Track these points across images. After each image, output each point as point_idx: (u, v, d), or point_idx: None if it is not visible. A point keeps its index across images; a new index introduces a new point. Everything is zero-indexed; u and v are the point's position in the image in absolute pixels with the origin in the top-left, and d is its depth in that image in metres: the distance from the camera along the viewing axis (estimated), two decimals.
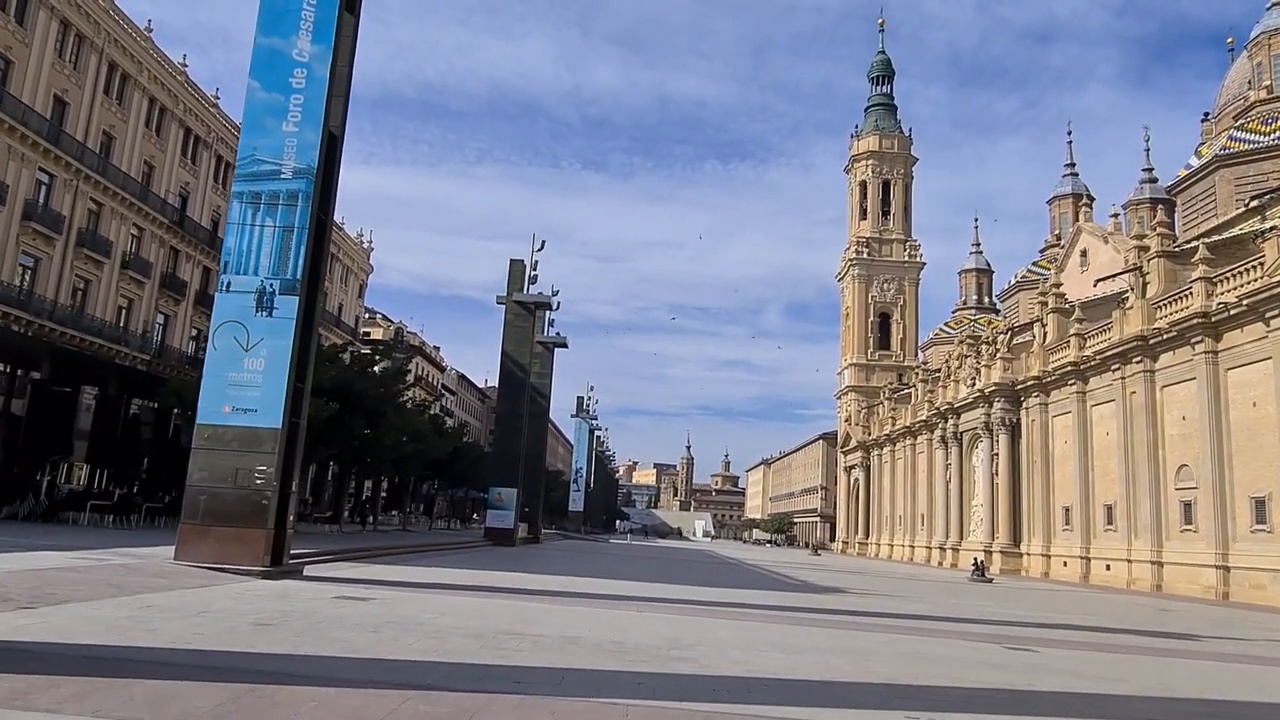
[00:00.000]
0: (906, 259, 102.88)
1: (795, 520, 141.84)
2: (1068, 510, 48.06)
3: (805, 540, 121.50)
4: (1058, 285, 56.81)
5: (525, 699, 5.97)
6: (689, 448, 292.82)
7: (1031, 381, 52.50)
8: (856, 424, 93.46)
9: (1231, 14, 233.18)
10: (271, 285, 14.25)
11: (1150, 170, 68.55)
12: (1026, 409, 53.79)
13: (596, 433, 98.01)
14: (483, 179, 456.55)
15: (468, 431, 78.51)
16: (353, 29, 15.30)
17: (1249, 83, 56.99)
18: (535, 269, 43.17)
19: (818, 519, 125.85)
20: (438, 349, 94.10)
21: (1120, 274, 49.80)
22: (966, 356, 63.76)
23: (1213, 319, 36.39)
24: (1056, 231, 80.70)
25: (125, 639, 6.99)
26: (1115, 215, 63.99)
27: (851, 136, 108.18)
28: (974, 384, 59.92)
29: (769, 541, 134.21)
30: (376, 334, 76.00)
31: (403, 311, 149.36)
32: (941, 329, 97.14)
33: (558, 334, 50.68)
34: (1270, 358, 33.26)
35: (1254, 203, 45.61)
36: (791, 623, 13.65)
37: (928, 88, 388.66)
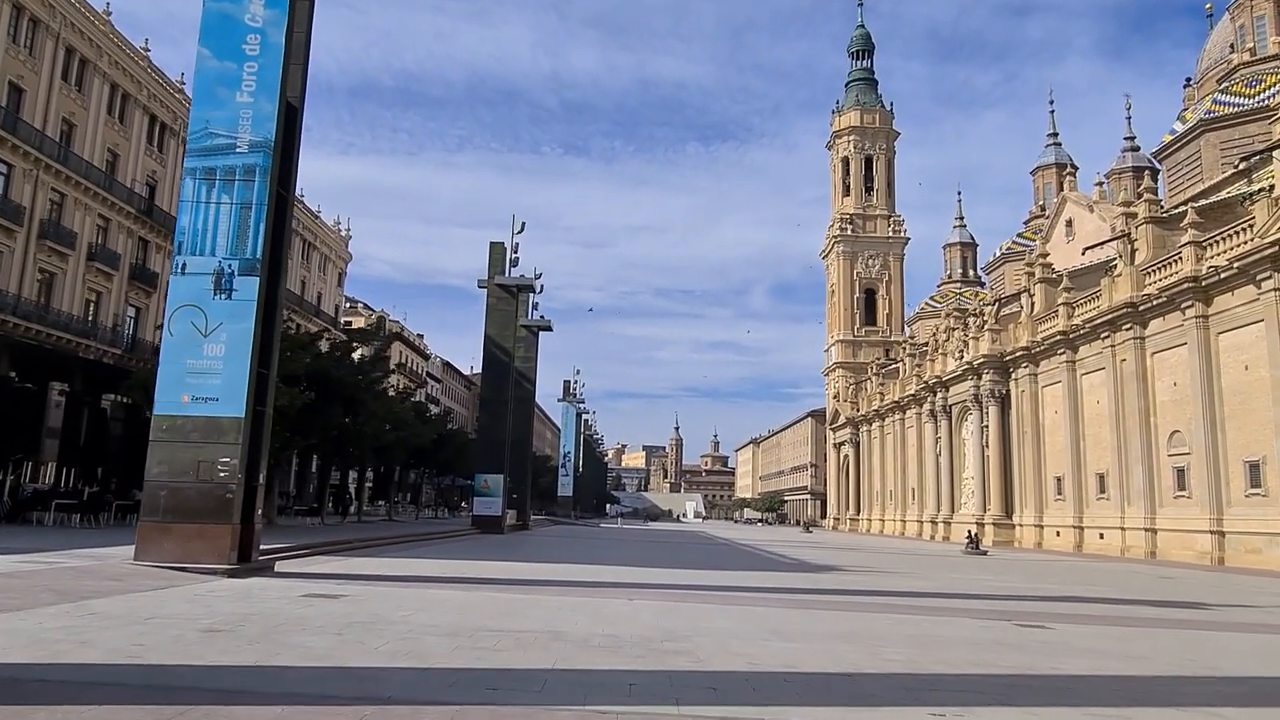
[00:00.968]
0: (891, 234, 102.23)
1: (786, 498, 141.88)
2: (1059, 480, 47.80)
3: (796, 518, 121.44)
4: (1044, 255, 56.31)
5: (499, 710, 5.22)
6: (678, 429, 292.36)
7: (1020, 352, 52.10)
8: (845, 400, 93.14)
9: None
10: (230, 266, 13.36)
11: (1133, 139, 68.15)
12: (1016, 380, 53.43)
13: (584, 416, 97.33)
14: (464, 166, 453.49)
15: (454, 419, 77.55)
16: None
17: (1231, 46, 56.51)
18: (516, 251, 42.36)
19: (808, 496, 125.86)
20: (421, 337, 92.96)
21: (1108, 241, 49.33)
22: (954, 330, 63.29)
23: (1203, 283, 35.97)
24: (1041, 202, 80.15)
25: (50, 655, 6.18)
26: (1100, 184, 63.43)
27: (833, 112, 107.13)
28: (962, 356, 59.47)
29: (760, 520, 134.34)
30: (358, 323, 74.81)
31: (388, 302, 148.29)
32: (928, 303, 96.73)
33: (541, 316, 49.83)
34: (1262, 320, 32.83)
35: (1241, 165, 45.15)
36: (791, 606, 12.99)
37: (908, 63, 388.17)
